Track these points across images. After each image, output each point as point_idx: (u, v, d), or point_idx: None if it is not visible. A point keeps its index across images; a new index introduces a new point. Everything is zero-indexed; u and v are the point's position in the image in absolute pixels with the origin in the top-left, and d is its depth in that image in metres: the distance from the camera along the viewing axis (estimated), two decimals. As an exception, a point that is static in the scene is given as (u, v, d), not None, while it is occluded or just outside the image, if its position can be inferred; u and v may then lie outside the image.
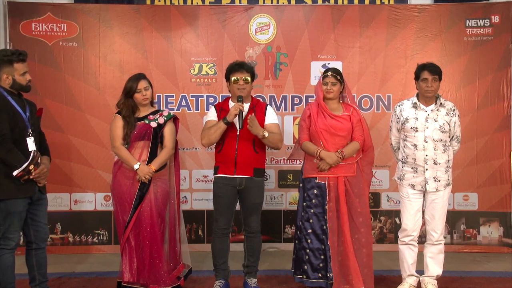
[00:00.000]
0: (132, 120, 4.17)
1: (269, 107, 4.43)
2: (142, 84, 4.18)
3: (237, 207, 4.39)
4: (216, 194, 4.31)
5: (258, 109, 4.32)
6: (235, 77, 4.23)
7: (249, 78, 4.25)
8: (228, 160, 4.23)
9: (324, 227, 4.23)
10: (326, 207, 4.23)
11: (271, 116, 4.34)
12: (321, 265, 4.25)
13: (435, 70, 4.21)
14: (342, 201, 4.22)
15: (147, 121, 4.20)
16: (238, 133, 4.21)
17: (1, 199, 3.65)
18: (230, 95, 4.37)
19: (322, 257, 4.25)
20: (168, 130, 4.26)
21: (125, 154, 4.15)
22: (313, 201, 4.28)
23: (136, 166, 4.10)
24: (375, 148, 4.93)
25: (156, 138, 4.20)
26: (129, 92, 4.18)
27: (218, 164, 4.31)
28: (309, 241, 4.28)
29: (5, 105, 3.62)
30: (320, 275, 4.26)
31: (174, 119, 4.35)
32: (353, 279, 4.18)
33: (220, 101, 5.36)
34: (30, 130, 3.72)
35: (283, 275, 4.80)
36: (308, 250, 4.28)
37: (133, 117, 4.19)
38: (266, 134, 4.16)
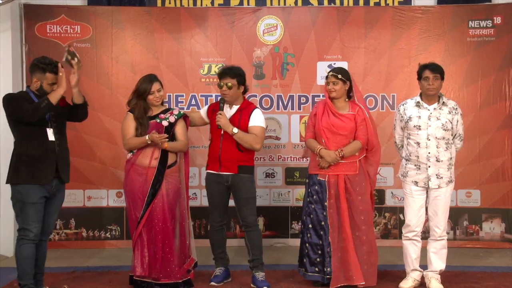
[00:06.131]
0: (145, 121, 4.24)
1: (256, 110, 4.44)
2: (155, 86, 4.25)
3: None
4: (207, 189, 4.54)
5: (245, 112, 4.40)
6: (218, 83, 4.40)
7: (231, 84, 4.32)
8: (213, 157, 4.43)
9: (323, 223, 4.28)
10: (326, 203, 4.28)
11: (254, 119, 4.38)
12: (318, 259, 4.31)
13: (436, 69, 4.26)
14: (342, 198, 4.26)
15: (158, 120, 4.26)
16: (222, 132, 4.34)
17: (16, 183, 3.84)
18: None
19: (320, 252, 4.30)
20: (180, 128, 4.33)
21: (135, 140, 4.22)
22: (314, 197, 4.34)
23: (147, 137, 4.14)
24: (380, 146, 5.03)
25: (167, 136, 4.26)
26: (142, 94, 4.24)
27: (207, 161, 4.53)
28: (308, 235, 4.35)
29: (26, 98, 3.87)
30: (316, 269, 4.32)
31: (184, 117, 4.42)
32: (354, 275, 4.22)
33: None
34: (49, 122, 3.92)
35: (290, 269, 4.83)
36: (307, 244, 4.35)
37: (145, 117, 4.25)
38: (235, 131, 4.26)
